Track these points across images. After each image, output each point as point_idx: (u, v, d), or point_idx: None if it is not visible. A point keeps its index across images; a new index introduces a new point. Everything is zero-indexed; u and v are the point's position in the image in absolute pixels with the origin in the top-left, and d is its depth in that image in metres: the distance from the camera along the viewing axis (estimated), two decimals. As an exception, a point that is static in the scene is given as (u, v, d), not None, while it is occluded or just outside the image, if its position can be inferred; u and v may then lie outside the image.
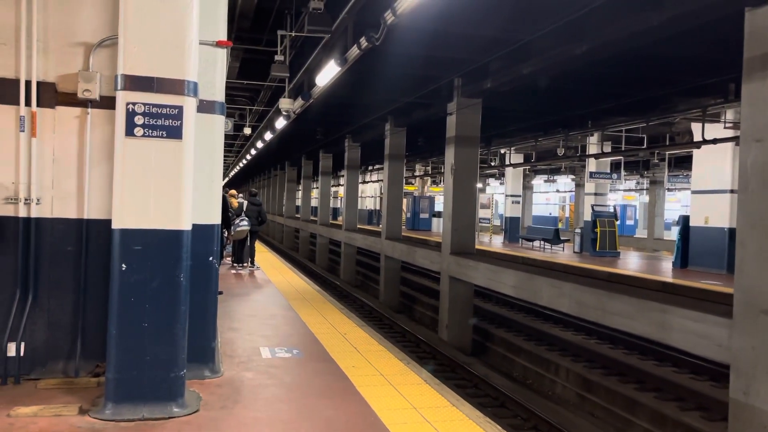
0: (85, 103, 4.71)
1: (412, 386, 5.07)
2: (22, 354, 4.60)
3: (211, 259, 5.04)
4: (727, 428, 5.62)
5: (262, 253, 17.56)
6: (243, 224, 12.24)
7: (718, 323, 5.92)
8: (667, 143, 17.40)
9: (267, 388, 4.89)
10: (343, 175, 24.06)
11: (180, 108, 4.24)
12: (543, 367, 9.71)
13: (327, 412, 4.37)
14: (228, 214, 10.92)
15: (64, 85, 4.70)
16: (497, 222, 31.67)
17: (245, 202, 13.29)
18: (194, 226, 4.46)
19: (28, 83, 4.63)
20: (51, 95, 4.70)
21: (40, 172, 4.68)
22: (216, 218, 5.17)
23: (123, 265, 4.13)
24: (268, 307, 8.78)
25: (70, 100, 4.70)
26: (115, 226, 4.17)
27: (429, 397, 4.80)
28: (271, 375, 5.25)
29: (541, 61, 8.91)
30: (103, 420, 3.98)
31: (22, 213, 4.66)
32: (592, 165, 19.00)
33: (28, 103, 4.63)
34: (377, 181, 35.70)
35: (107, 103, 4.65)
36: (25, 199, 4.66)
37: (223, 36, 5.10)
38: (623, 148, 17.36)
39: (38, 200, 4.69)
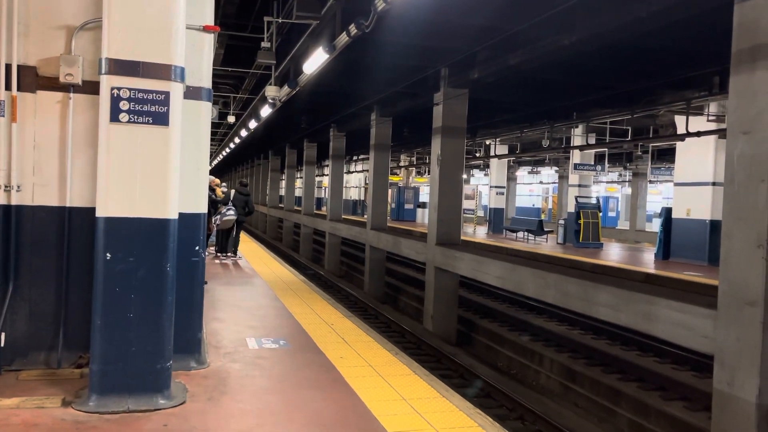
0: (67, 88, 4.58)
1: (401, 377, 5.05)
2: (2, 344, 4.49)
3: (197, 248, 4.96)
4: (711, 418, 5.68)
5: (246, 243, 17.41)
6: (230, 213, 12.10)
7: (703, 314, 5.96)
8: (651, 135, 17.53)
9: (254, 380, 4.83)
10: (327, 165, 23.93)
11: (167, 94, 4.14)
12: (527, 358, 9.76)
13: (316, 404, 4.33)
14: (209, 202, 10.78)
15: (46, 68, 4.57)
16: (481, 213, 31.78)
17: (233, 192, 13.16)
18: (180, 215, 4.37)
19: (8, 67, 4.50)
20: (32, 79, 4.57)
21: (20, 158, 4.56)
22: (203, 207, 5.09)
23: (108, 255, 4.03)
24: (253, 297, 8.70)
25: (52, 84, 4.57)
26: (99, 214, 4.08)
27: (418, 388, 4.78)
28: (259, 366, 5.20)
29: (529, 52, 8.88)
30: (87, 412, 3.90)
31: (2, 200, 4.54)
32: (576, 157, 19.08)
33: (8, 87, 4.51)
34: (362, 171, 35.59)
35: (90, 87, 4.53)
36: (5, 186, 4.54)
37: (210, 21, 4.99)
38: (607, 140, 17.46)
39: (18, 187, 4.57)
